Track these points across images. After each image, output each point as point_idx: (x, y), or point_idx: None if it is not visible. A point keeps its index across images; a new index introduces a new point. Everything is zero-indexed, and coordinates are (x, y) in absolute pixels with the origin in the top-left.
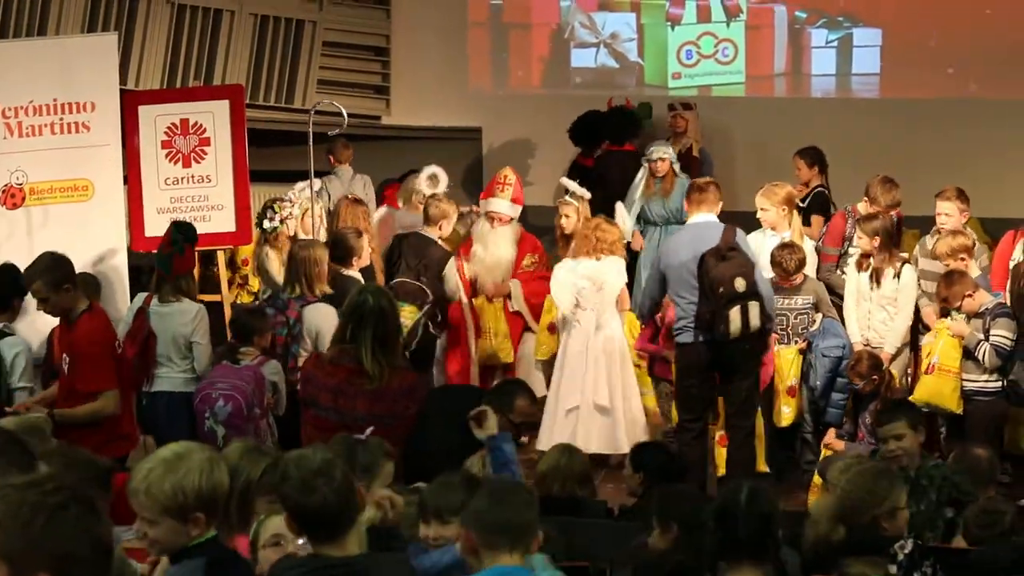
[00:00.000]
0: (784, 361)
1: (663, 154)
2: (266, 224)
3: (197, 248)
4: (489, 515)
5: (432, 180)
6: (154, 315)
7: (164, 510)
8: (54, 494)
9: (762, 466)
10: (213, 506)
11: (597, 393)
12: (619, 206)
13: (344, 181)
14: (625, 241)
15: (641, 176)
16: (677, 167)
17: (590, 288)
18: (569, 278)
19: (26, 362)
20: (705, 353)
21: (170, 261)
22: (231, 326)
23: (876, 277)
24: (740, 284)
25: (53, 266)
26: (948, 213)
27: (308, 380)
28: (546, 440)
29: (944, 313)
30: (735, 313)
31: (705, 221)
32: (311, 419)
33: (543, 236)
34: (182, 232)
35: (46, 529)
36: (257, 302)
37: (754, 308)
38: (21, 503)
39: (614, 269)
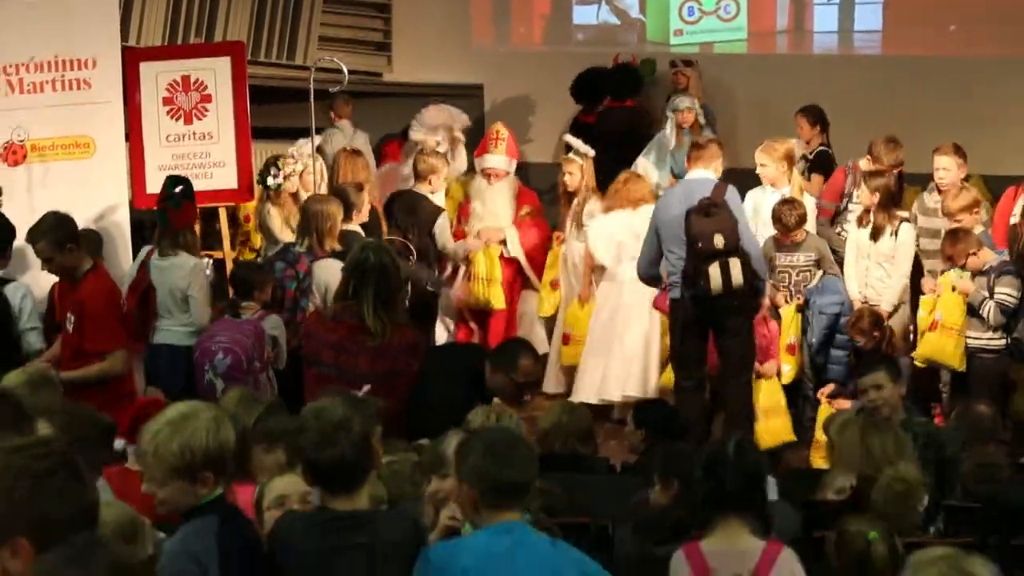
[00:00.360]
0: (784, 319)
1: (690, 104)
2: (270, 181)
3: (199, 205)
4: (491, 473)
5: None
6: (154, 268)
7: (173, 471)
8: (41, 459)
9: (790, 435)
10: (221, 465)
11: (634, 340)
12: (641, 161)
13: (346, 136)
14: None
15: (670, 129)
16: (703, 119)
17: (630, 238)
18: (607, 230)
19: (32, 303)
20: (692, 309)
21: (166, 215)
22: (231, 280)
23: (875, 234)
24: (719, 240)
25: (56, 225)
26: (946, 167)
27: (310, 336)
28: (585, 389)
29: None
30: (714, 269)
31: (699, 178)
32: (313, 376)
33: (544, 194)
34: (177, 186)
35: (29, 494)
36: (263, 257)
37: (735, 265)
38: (7, 467)
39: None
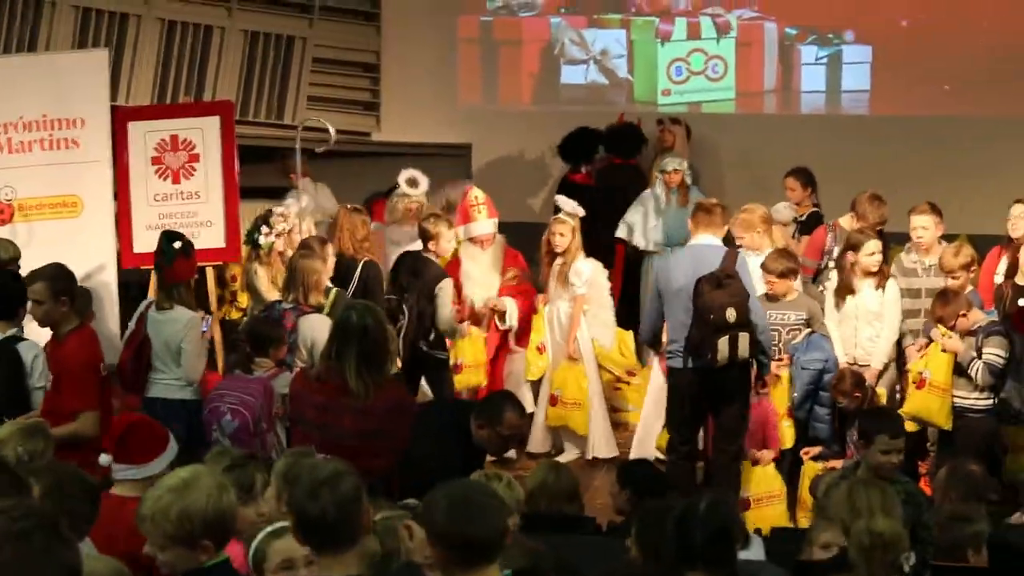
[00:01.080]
0: (780, 386)
1: (677, 165)
2: (261, 240)
3: None
4: (455, 532)
5: (411, 182)
6: (151, 321)
7: (171, 538)
8: (20, 520)
9: (784, 521)
10: (221, 532)
11: None
12: (629, 219)
13: (311, 192)
14: None
15: (660, 189)
16: (689, 179)
17: None
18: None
19: (44, 363)
20: (694, 379)
21: (160, 270)
22: (248, 335)
23: (849, 291)
24: (731, 315)
25: (58, 275)
26: (924, 226)
27: (295, 397)
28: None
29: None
30: (723, 343)
31: (707, 244)
32: (299, 436)
33: (532, 253)
34: (171, 242)
35: (12, 556)
36: (248, 317)
37: (743, 339)
38: None
39: None
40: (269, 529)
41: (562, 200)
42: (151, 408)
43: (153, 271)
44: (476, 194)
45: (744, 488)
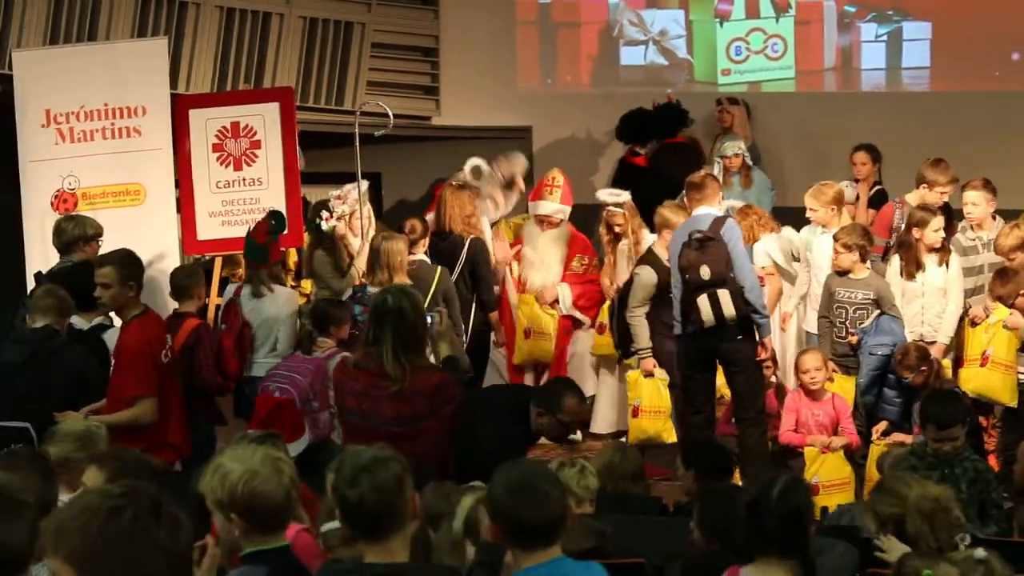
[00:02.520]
0: (845, 391)
1: (736, 150)
2: (324, 225)
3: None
4: (513, 513)
5: (475, 172)
6: (248, 304)
7: (213, 504)
8: (115, 498)
9: None
10: (250, 514)
11: None
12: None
13: None
14: None
15: (718, 172)
16: (749, 159)
17: None
18: None
19: None
20: (694, 344)
21: (267, 250)
22: (311, 315)
23: (918, 267)
24: (705, 272)
25: (127, 260)
26: (975, 202)
27: (336, 387)
28: None
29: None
30: (703, 301)
31: (702, 214)
32: (347, 427)
33: (592, 236)
34: (277, 221)
35: (96, 535)
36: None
37: (724, 296)
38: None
39: None
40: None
41: (601, 194)
42: (251, 389)
43: (248, 254)
44: (555, 175)
45: (813, 473)
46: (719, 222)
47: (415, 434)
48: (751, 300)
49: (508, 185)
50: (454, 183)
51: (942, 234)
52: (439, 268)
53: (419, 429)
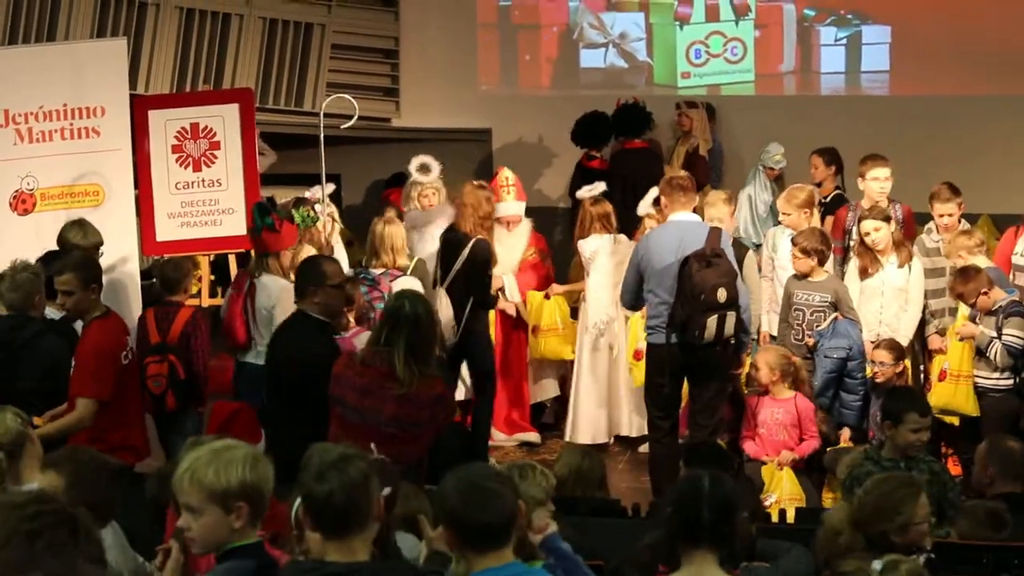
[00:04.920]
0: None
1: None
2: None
3: (208, 252)
4: (465, 517)
5: (423, 169)
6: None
7: (209, 496)
8: (32, 518)
9: None
10: (257, 500)
11: None
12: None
13: None
14: None
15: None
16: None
17: None
18: None
19: None
20: (677, 355)
21: (254, 240)
22: None
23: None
24: (722, 295)
25: (85, 264)
26: (951, 213)
27: (338, 378)
28: None
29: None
30: (712, 321)
31: (689, 220)
32: (337, 417)
33: (551, 238)
34: (262, 214)
35: (17, 552)
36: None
37: (731, 318)
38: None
39: None
40: None
41: (582, 194)
42: (239, 373)
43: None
44: (507, 175)
45: (771, 492)
46: (715, 235)
47: (409, 438)
48: (744, 320)
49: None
50: (474, 183)
51: (884, 234)
52: (416, 258)
53: (414, 434)
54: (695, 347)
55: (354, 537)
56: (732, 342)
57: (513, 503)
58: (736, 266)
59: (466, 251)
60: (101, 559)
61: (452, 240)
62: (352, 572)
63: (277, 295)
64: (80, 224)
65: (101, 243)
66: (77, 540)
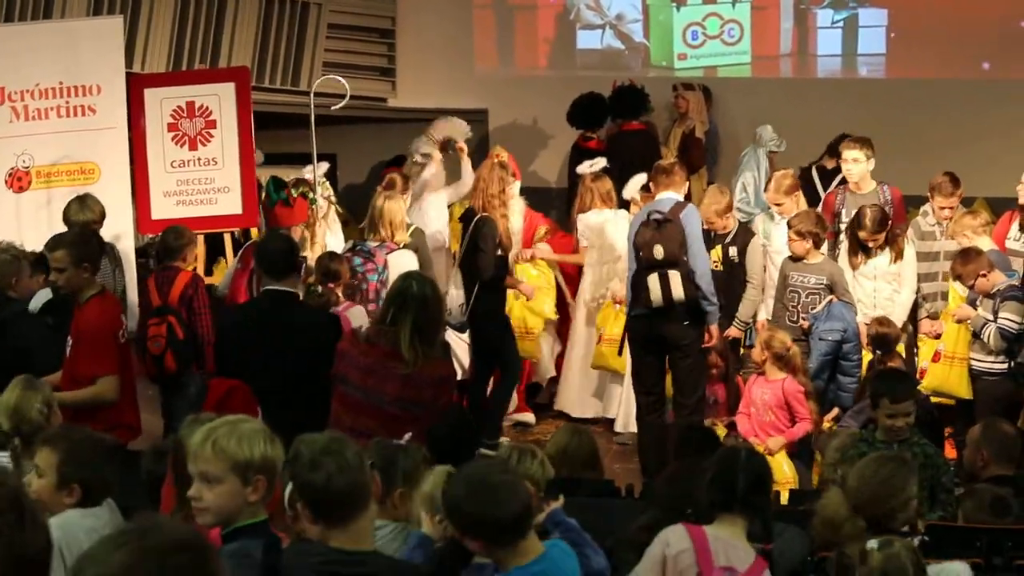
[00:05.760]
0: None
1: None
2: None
3: (204, 231)
4: (484, 517)
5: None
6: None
7: (231, 467)
8: None
9: None
10: (272, 476)
11: None
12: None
13: None
14: None
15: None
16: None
17: None
18: None
19: None
20: (645, 325)
21: (266, 215)
22: (316, 271)
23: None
24: (658, 251)
25: (80, 242)
26: (952, 206)
27: (341, 357)
28: None
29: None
30: (653, 280)
31: (664, 198)
32: (339, 395)
33: (547, 217)
34: (277, 188)
35: None
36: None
37: (675, 277)
38: None
39: None
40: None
41: (582, 169)
42: None
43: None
44: (498, 151)
45: None
46: (680, 206)
47: (410, 418)
48: (701, 286)
49: (443, 148)
50: (496, 158)
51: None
52: (413, 226)
53: (415, 415)
54: (660, 318)
55: (358, 521)
56: (694, 313)
57: (524, 491)
58: (694, 234)
59: (471, 228)
60: (47, 547)
61: (466, 217)
62: (359, 563)
63: None
64: (80, 200)
65: (102, 215)
66: (24, 526)
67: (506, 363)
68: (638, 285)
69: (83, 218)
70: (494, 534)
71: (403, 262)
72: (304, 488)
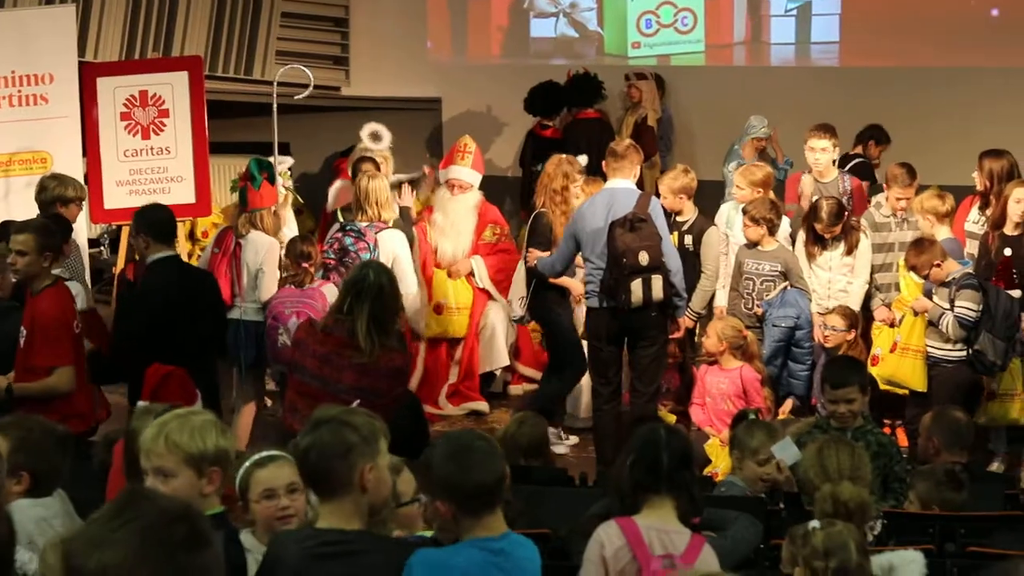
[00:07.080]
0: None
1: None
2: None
3: None
4: (460, 481)
5: (374, 137)
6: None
7: (185, 459)
8: None
9: None
10: (226, 467)
11: None
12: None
13: None
14: None
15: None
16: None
17: None
18: None
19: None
20: (611, 320)
21: (245, 195)
22: (288, 254)
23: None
24: (644, 258)
25: (46, 231)
26: (909, 197)
27: (298, 344)
28: None
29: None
30: (637, 285)
31: (621, 187)
32: (295, 384)
33: (502, 208)
34: (262, 169)
35: None
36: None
37: (657, 281)
38: None
39: None
40: (254, 458)
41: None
42: (237, 332)
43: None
44: (467, 141)
45: (715, 467)
46: (644, 200)
47: (367, 407)
48: (675, 283)
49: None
50: (563, 156)
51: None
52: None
53: (372, 404)
54: (627, 311)
55: (344, 497)
56: (665, 307)
57: (501, 465)
58: (664, 232)
59: (529, 223)
60: (10, 540)
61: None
62: (346, 541)
63: (265, 251)
64: (56, 177)
65: (83, 196)
66: None
67: (570, 366)
68: (616, 286)
69: (60, 193)
70: (461, 498)
71: (392, 239)
72: (295, 452)
